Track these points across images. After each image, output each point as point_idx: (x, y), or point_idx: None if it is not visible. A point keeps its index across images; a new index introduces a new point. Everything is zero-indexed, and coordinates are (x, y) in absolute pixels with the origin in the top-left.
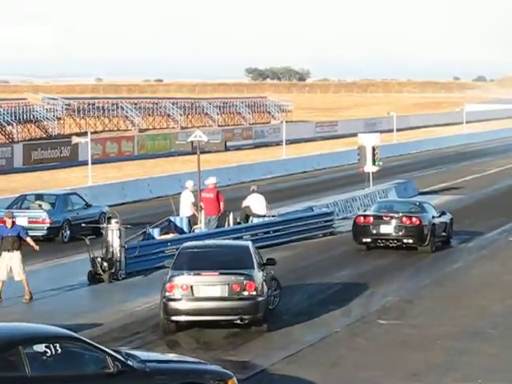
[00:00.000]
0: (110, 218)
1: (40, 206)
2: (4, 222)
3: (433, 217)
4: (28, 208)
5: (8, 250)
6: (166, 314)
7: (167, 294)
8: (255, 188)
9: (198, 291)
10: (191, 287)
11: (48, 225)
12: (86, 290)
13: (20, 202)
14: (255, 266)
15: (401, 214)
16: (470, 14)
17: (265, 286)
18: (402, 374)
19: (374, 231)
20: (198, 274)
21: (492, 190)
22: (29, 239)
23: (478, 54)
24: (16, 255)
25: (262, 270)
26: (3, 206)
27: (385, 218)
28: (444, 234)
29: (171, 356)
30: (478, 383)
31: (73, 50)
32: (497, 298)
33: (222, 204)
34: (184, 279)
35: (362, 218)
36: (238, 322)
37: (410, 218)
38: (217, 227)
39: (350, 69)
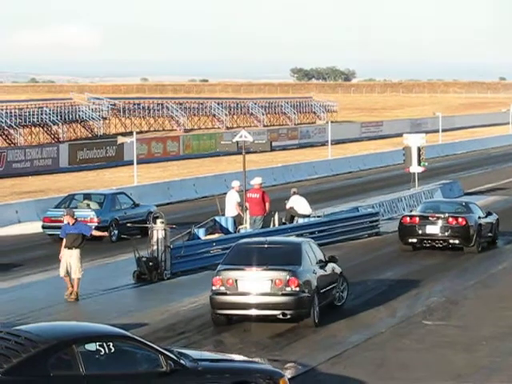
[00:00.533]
0: (155, 218)
1: (88, 205)
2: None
3: (479, 217)
4: (76, 207)
5: (68, 248)
6: (212, 306)
7: (213, 287)
8: (295, 190)
9: (243, 286)
10: (236, 281)
11: (96, 224)
12: (131, 289)
13: (68, 202)
14: (302, 263)
15: (447, 215)
16: None
17: (314, 283)
18: (447, 375)
19: (420, 231)
20: (243, 269)
21: None
22: (95, 232)
23: None
24: (75, 253)
25: (322, 267)
26: (50, 205)
27: (431, 219)
28: (490, 234)
29: (222, 355)
30: None
31: (118, 49)
32: None
33: (267, 204)
34: (229, 274)
35: (408, 219)
36: (281, 316)
37: (456, 218)
38: (262, 227)
39: (396, 69)
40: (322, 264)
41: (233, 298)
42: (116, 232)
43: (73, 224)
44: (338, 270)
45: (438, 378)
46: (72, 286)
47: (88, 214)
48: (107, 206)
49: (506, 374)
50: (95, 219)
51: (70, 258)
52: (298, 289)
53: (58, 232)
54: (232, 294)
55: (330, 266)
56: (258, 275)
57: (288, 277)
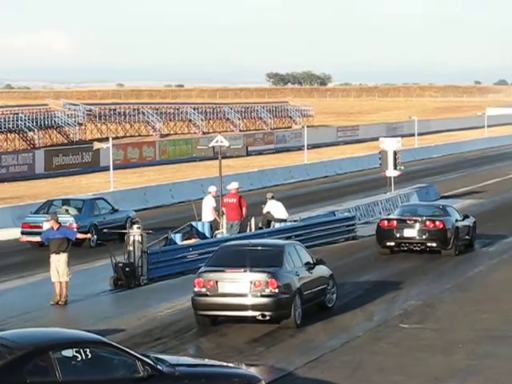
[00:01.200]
0: (132, 224)
1: (67, 210)
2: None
3: (456, 220)
4: (55, 213)
5: (55, 252)
6: (194, 308)
7: (195, 289)
8: (272, 195)
9: (223, 287)
10: (216, 283)
11: (75, 230)
12: (108, 295)
13: (47, 208)
14: (283, 265)
15: (424, 218)
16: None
17: (296, 284)
18: (423, 378)
19: (398, 235)
20: (223, 271)
21: None
22: (79, 235)
23: (500, 58)
24: (63, 257)
25: (309, 269)
26: (26, 211)
27: (408, 222)
28: (467, 237)
29: (200, 360)
30: None
31: (94, 55)
32: None
33: (244, 209)
34: (210, 275)
35: (385, 222)
36: (260, 318)
37: (433, 221)
38: (239, 232)
39: (372, 73)
40: (309, 266)
41: (213, 300)
42: (95, 237)
43: (57, 229)
44: (327, 272)
45: (415, 381)
46: (60, 295)
47: (67, 219)
48: (86, 212)
49: (483, 376)
50: (74, 224)
51: (57, 262)
52: (277, 290)
53: (36, 239)
54: (212, 296)
55: (319, 268)
56: (238, 277)
57: (267, 278)
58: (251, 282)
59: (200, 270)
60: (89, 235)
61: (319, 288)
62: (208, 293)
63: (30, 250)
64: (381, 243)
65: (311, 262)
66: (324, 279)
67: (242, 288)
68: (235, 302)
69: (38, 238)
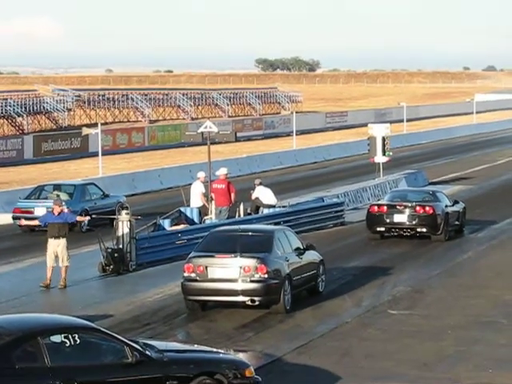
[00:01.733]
0: (120, 209)
1: (58, 196)
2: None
3: (446, 206)
4: (46, 198)
5: (54, 237)
6: (183, 293)
7: (185, 274)
8: (260, 181)
9: (212, 272)
10: (206, 268)
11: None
12: (97, 281)
13: (38, 193)
14: (273, 251)
15: (414, 203)
16: (481, 4)
17: (285, 270)
18: (412, 363)
19: (388, 220)
20: (213, 257)
21: (502, 180)
22: (78, 218)
23: (488, 44)
24: (62, 242)
25: (299, 255)
26: (15, 197)
27: (398, 207)
28: (457, 222)
29: (188, 346)
30: (489, 373)
31: (83, 41)
32: (507, 287)
33: (233, 195)
34: (200, 261)
35: (375, 207)
36: (249, 303)
37: (423, 207)
38: (228, 218)
39: (361, 59)
40: (299, 252)
41: (203, 285)
42: (86, 222)
43: (58, 213)
44: (317, 257)
45: (404, 367)
46: (50, 280)
47: None
48: (77, 197)
49: (472, 362)
50: (65, 209)
51: (57, 247)
52: (266, 276)
53: (28, 223)
54: (202, 281)
55: (309, 253)
56: (228, 262)
57: (257, 264)
58: (241, 268)
59: (190, 256)
60: (87, 217)
61: (309, 273)
62: (198, 278)
63: (19, 235)
64: (371, 229)
65: (301, 247)
66: (314, 265)
67: (231, 273)
68: (225, 287)
69: (35, 222)
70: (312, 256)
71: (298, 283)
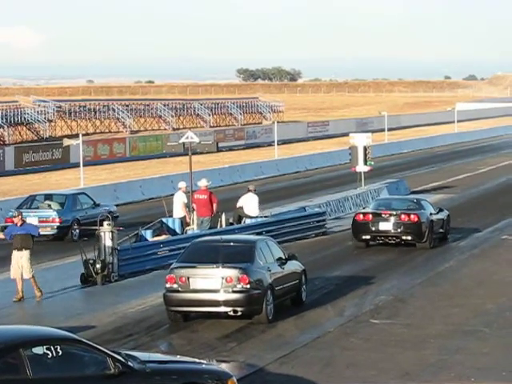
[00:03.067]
0: (102, 221)
1: (49, 205)
2: (13, 221)
3: (430, 214)
4: (38, 208)
5: (17, 249)
6: (166, 304)
7: (167, 285)
8: (252, 188)
9: (195, 283)
10: (188, 279)
11: (58, 224)
12: (79, 292)
13: (30, 202)
14: (255, 261)
15: (399, 211)
16: (461, 13)
17: (267, 280)
18: (395, 373)
19: (373, 228)
20: (195, 267)
21: (484, 189)
22: (42, 230)
23: (469, 53)
24: (25, 254)
25: (281, 265)
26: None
27: (384, 215)
28: (441, 230)
29: (171, 357)
30: (471, 382)
31: (63, 52)
32: (489, 296)
33: (214, 205)
34: (182, 271)
35: (361, 216)
36: (232, 313)
37: (408, 215)
38: (209, 228)
39: (341, 69)
40: (281, 262)
41: (185, 295)
42: (78, 231)
43: (21, 225)
44: (299, 267)
45: (386, 376)
46: (22, 291)
47: (50, 214)
48: (68, 206)
49: (454, 371)
50: (57, 219)
51: (20, 259)
52: (248, 286)
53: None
54: (184, 292)
55: (291, 263)
56: (210, 272)
57: (239, 274)
58: (223, 278)
59: (172, 266)
60: (49, 229)
61: (291, 283)
62: (180, 289)
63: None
64: (356, 237)
65: (283, 257)
66: (296, 274)
67: (213, 284)
68: (207, 297)
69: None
70: (294, 266)
71: (280, 293)
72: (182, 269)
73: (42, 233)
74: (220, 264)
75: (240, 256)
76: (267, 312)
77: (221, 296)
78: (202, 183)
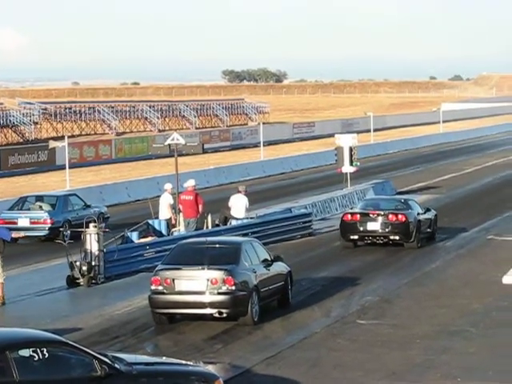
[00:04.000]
0: (88, 222)
1: (40, 207)
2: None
3: (418, 213)
4: (29, 209)
5: None
6: (151, 306)
7: (152, 287)
8: (241, 189)
9: (179, 285)
10: (173, 281)
11: (49, 225)
12: (65, 294)
13: (21, 204)
14: (240, 262)
15: (387, 211)
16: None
17: (253, 281)
18: (381, 373)
19: (361, 228)
20: (180, 269)
21: (469, 189)
22: (14, 234)
23: (454, 54)
24: None
25: (267, 266)
26: None
27: (371, 216)
28: (429, 230)
29: (157, 358)
30: (458, 382)
31: (48, 54)
32: (475, 296)
33: (200, 206)
34: (167, 273)
35: (349, 216)
36: (217, 315)
37: (396, 214)
38: (196, 229)
39: (327, 70)
40: (267, 263)
41: (170, 298)
42: (69, 232)
43: None
44: (285, 269)
45: (373, 376)
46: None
47: (41, 215)
48: (60, 208)
49: (440, 371)
50: (48, 220)
51: None
52: (234, 288)
53: (20, 234)
54: (169, 294)
55: (277, 265)
56: (195, 274)
57: (224, 276)
58: (208, 280)
59: (157, 268)
60: (22, 233)
61: (277, 285)
62: (165, 291)
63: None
64: (344, 237)
65: (269, 258)
66: (282, 276)
67: (198, 286)
68: (192, 299)
69: (21, 234)
70: (280, 267)
71: (265, 295)
72: (167, 271)
73: (32, 234)
74: (205, 266)
75: (225, 258)
76: (253, 314)
77: (206, 298)
78: (189, 184)
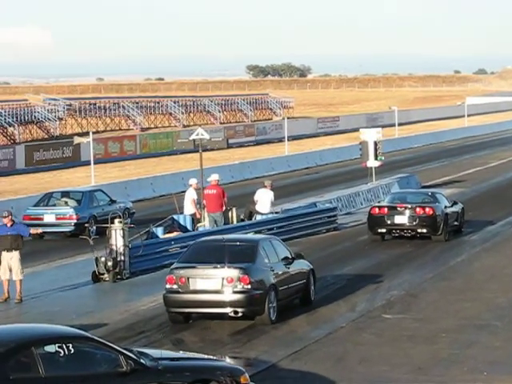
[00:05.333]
0: (113, 218)
1: (66, 203)
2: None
3: (445, 207)
4: (55, 205)
5: (7, 250)
6: (165, 305)
7: (167, 285)
8: (267, 183)
9: (194, 284)
10: (188, 279)
11: (75, 221)
12: (90, 289)
13: (47, 200)
14: (257, 260)
15: (414, 205)
16: (470, 7)
17: (270, 280)
18: (407, 368)
19: (389, 221)
20: (195, 267)
21: (494, 183)
22: (32, 230)
23: (479, 47)
24: (15, 255)
25: (287, 264)
26: (7, 207)
27: (399, 209)
28: (456, 223)
29: (183, 353)
30: (484, 376)
31: (73, 50)
32: (501, 290)
33: (225, 200)
34: (181, 272)
35: (376, 209)
36: (232, 314)
37: (423, 208)
38: (224, 224)
39: (351, 64)
40: (287, 261)
41: (185, 296)
42: (95, 228)
43: (11, 225)
44: (307, 266)
45: (399, 371)
46: (8, 292)
47: (67, 211)
48: (85, 203)
49: (466, 365)
50: (74, 216)
51: (10, 260)
52: (249, 286)
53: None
54: (184, 292)
55: (298, 263)
56: (210, 273)
57: (240, 274)
58: (223, 279)
59: (172, 267)
60: (39, 230)
61: (298, 283)
62: (180, 289)
63: (31, 241)
64: (372, 230)
65: (289, 256)
66: (303, 274)
67: (213, 284)
68: (207, 298)
69: (39, 230)
70: (301, 265)
71: (285, 293)
72: (181, 269)
73: (58, 230)
74: (220, 264)
75: (242, 256)
76: (270, 313)
77: (221, 297)
78: (213, 178)
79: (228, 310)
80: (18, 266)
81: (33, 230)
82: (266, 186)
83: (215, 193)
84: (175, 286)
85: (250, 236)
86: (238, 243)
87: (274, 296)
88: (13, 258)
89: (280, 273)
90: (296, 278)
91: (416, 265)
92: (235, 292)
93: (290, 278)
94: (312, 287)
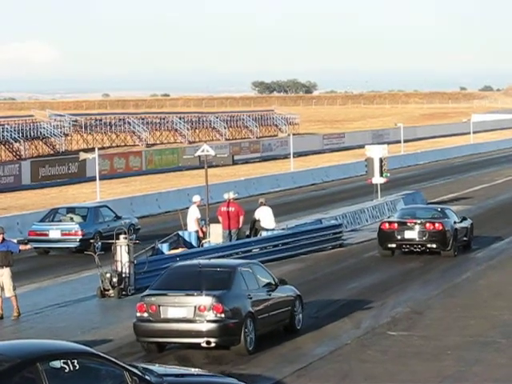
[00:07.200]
0: (118, 234)
1: (71, 218)
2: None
3: (454, 222)
4: (60, 221)
5: None
6: (136, 334)
7: (137, 314)
8: (263, 201)
9: (166, 312)
10: (159, 307)
11: (80, 237)
12: (95, 305)
13: (52, 216)
14: (232, 287)
15: (424, 220)
16: (476, 25)
17: (247, 308)
18: None
19: (399, 237)
20: (166, 295)
21: (500, 200)
22: (21, 247)
23: (485, 64)
24: (6, 271)
25: (269, 291)
26: (13, 223)
27: (409, 224)
28: (465, 238)
29: (187, 370)
30: None
31: (79, 66)
32: (506, 307)
33: (241, 217)
34: (152, 299)
35: (386, 225)
36: (205, 345)
37: (433, 223)
38: (238, 239)
39: (357, 81)
40: (270, 288)
41: (156, 325)
42: (100, 244)
43: (1, 242)
44: (292, 293)
45: None
46: (1, 309)
47: (72, 227)
48: (91, 219)
49: (471, 382)
50: (79, 232)
51: (1, 277)
52: (223, 315)
53: (43, 245)
54: (155, 321)
55: (282, 289)
56: (182, 301)
57: (213, 302)
58: (195, 307)
59: (143, 294)
60: (29, 246)
61: (281, 310)
62: (150, 318)
63: (37, 257)
64: (382, 245)
65: (273, 282)
66: (288, 301)
67: (185, 313)
68: (178, 327)
69: (28, 247)
70: (286, 291)
71: (265, 322)
72: (152, 296)
73: (63, 246)
74: (193, 291)
75: (217, 283)
76: (247, 343)
77: (193, 326)
78: (230, 195)
79: (201, 340)
80: (10, 283)
81: (22, 247)
82: (262, 204)
83: (233, 210)
84: (146, 315)
85: (228, 261)
86: (213, 269)
87: (251, 325)
88: (3, 274)
89: (260, 300)
90: (279, 305)
91: (421, 282)
92: (208, 321)
93: (271, 306)
94: (299, 315)
